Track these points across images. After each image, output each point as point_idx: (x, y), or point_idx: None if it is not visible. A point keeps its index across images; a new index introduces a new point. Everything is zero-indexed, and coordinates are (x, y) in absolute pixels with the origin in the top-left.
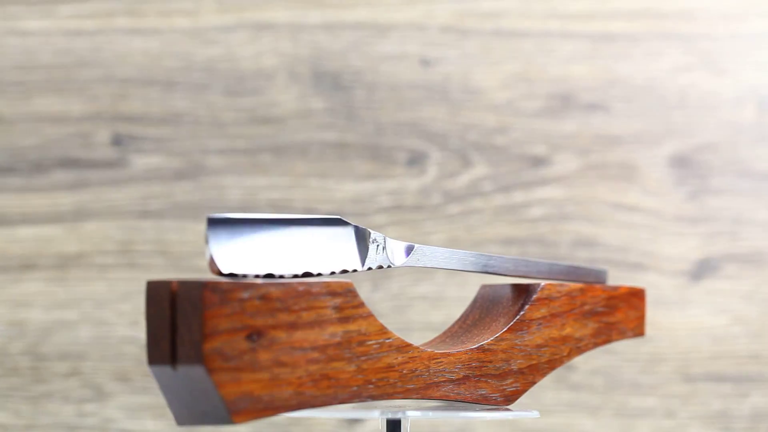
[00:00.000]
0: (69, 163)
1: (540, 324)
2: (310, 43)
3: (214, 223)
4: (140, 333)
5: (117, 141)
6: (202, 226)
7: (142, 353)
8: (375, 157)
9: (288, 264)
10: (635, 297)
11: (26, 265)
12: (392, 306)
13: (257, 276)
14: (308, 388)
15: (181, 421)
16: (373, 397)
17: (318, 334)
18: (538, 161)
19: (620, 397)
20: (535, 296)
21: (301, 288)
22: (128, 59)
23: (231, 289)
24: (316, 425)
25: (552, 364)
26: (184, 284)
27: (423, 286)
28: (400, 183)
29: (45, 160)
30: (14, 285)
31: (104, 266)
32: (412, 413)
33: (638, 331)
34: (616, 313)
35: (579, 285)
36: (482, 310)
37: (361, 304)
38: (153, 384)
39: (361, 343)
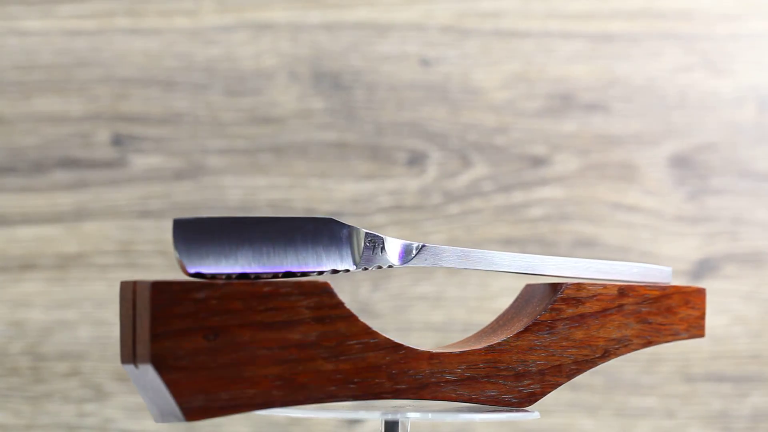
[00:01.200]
0: (69, 163)
1: (566, 324)
2: (310, 43)
3: (180, 225)
4: None
5: (117, 141)
6: None
7: None
8: (375, 157)
9: (267, 264)
10: (693, 296)
11: (26, 265)
12: (392, 306)
13: (228, 276)
14: (276, 388)
15: (156, 418)
16: (356, 397)
17: (288, 334)
18: (538, 161)
19: (620, 397)
20: (558, 296)
21: (267, 288)
22: (128, 59)
23: (183, 289)
24: (316, 425)
25: (582, 366)
26: (140, 284)
27: (423, 286)
28: (400, 183)
29: (45, 160)
30: (14, 285)
31: (104, 266)
32: (412, 415)
33: (695, 332)
34: (666, 313)
35: (618, 284)
36: (516, 309)
37: (340, 305)
38: None
39: (339, 343)
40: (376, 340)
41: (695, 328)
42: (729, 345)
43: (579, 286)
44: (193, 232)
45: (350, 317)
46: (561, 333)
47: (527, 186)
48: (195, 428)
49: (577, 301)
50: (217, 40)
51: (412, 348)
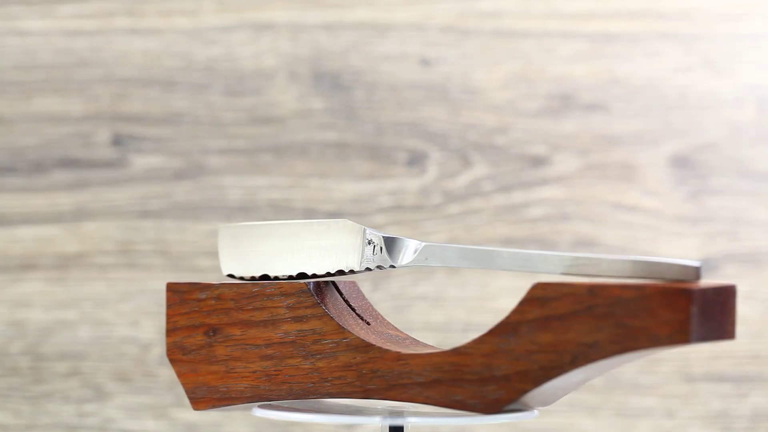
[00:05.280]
0: (69, 163)
1: (532, 327)
2: (310, 43)
3: (223, 231)
4: (140, 333)
5: (117, 141)
6: (202, 226)
7: (142, 353)
8: (375, 157)
9: (285, 266)
10: (675, 297)
11: (26, 265)
12: (392, 306)
13: (252, 277)
14: (263, 382)
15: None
16: (331, 395)
17: (272, 332)
18: (538, 161)
19: (620, 397)
20: (524, 296)
21: (255, 289)
22: (128, 59)
23: (189, 290)
24: (315, 424)
25: (550, 372)
26: (167, 285)
27: (423, 286)
28: (400, 183)
29: (45, 160)
30: (14, 285)
31: (104, 266)
32: (412, 419)
33: (678, 337)
34: (644, 316)
35: (588, 283)
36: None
37: (315, 304)
38: (153, 384)
39: (316, 342)
40: (347, 340)
41: (679, 333)
42: (729, 345)
43: (545, 286)
44: (229, 237)
45: (324, 317)
46: (526, 336)
47: (527, 186)
48: (195, 428)
49: (543, 302)
50: (217, 40)
51: (381, 348)
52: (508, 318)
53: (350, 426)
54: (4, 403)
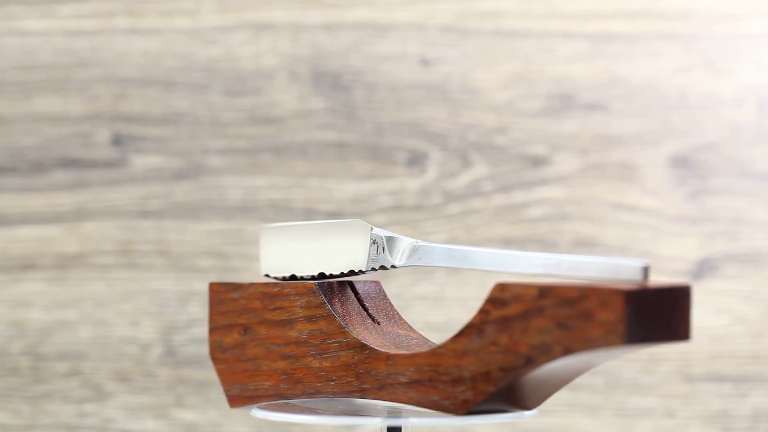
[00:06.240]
0: (69, 163)
1: (493, 328)
2: (310, 43)
3: (263, 231)
4: (140, 333)
5: (117, 141)
6: (202, 226)
7: (142, 353)
8: (375, 157)
9: (308, 266)
10: (610, 298)
11: (26, 265)
12: None
13: (284, 278)
14: (283, 381)
15: None
16: (336, 394)
17: (289, 332)
18: (538, 161)
19: (620, 397)
20: (487, 296)
21: (276, 289)
22: (128, 59)
23: (225, 290)
24: (315, 424)
25: (507, 374)
26: (209, 286)
27: (423, 286)
28: (400, 183)
29: (45, 160)
30: (14, 285)
31: (104, 266)
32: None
33: (611, 339)
34: (584, 317)
35: (540, 284)
36: None
37: (322, 304)
38: (153, 384)
39: (323, 342)
40: (347, 340)
41: (612, 335)
42: (729, 345)
43: (503, 286)
44: (265, 237)
45: (329, 316)
46: (489, 337)
47: (527, 186)
48: (195, 428)
49: (502, 302)
50: (217, 40)
51: (374, 348)
52: (474, 318)
53: (349, 427)
54: (4, 403)
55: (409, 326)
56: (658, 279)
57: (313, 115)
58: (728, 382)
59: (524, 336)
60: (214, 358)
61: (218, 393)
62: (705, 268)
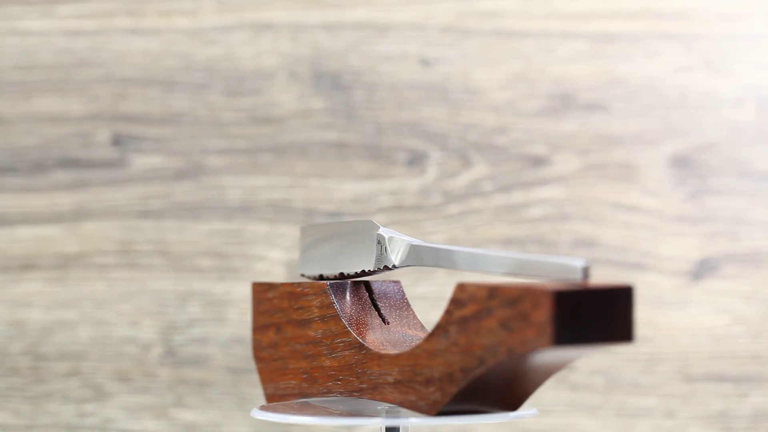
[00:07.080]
0: (69, 163)
1: (455, 328)
2: (310, 43)
3: (303, 232)
4: (140, 333)
5: (117, 141)
6: (202, 226)
7: (141, 353)
8: (375, 157)
9: (333, 266)
10: (541, 298)
11: (26, 265)
12: None
13: (314, 277)
14: (304, 380)
15: None
16: (341, 394)
17: (308, 331)
18: (538, 161)
19: (620, 397)
20: (450, 297)
21: (299, 289)
22: (128, 59)
23: (263, 290)
24: (315, 425)
25: (465, 375)
26: (252, 285)
27: (423, 286)
28: (400, 183)
29: (45, 160)
30: (14, 285)
31: (104, 266)
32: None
33: (541, 340)
34: (522, 318)
35: (489, 284)
36: None
37: (331, 305)
38: (153, 384)
39: (332, 341)
40: (350, 340)
41: (542, 336)
42: (729, 345)
43: (462, 287)
44: (301, 238)
45: (335, 316)
46: (451, 338)
47: (527, 186)
48: (195, 428)
49: (461, 303)
50: (217, 40)
51: (370, 349)
52: (441, 319)
53: (349, 427)
54: (4, 403)
55: (422, 326)
56: (602, 279)
57: (313, 115)
58: (728, 382)
59: (477, 337)
60: (257, 357)
61: (218, 393)
62: (705, 268)
